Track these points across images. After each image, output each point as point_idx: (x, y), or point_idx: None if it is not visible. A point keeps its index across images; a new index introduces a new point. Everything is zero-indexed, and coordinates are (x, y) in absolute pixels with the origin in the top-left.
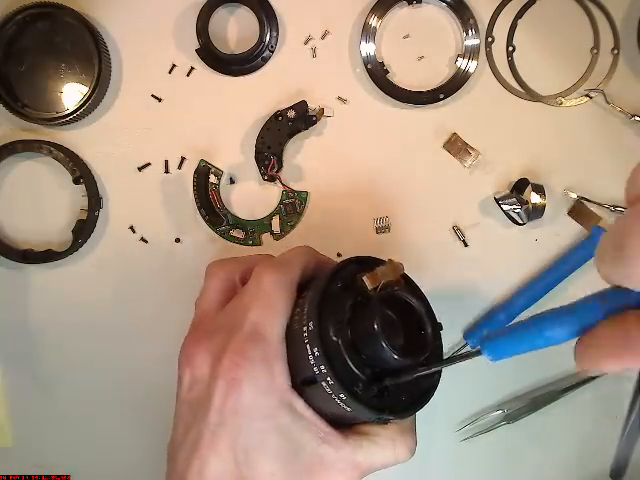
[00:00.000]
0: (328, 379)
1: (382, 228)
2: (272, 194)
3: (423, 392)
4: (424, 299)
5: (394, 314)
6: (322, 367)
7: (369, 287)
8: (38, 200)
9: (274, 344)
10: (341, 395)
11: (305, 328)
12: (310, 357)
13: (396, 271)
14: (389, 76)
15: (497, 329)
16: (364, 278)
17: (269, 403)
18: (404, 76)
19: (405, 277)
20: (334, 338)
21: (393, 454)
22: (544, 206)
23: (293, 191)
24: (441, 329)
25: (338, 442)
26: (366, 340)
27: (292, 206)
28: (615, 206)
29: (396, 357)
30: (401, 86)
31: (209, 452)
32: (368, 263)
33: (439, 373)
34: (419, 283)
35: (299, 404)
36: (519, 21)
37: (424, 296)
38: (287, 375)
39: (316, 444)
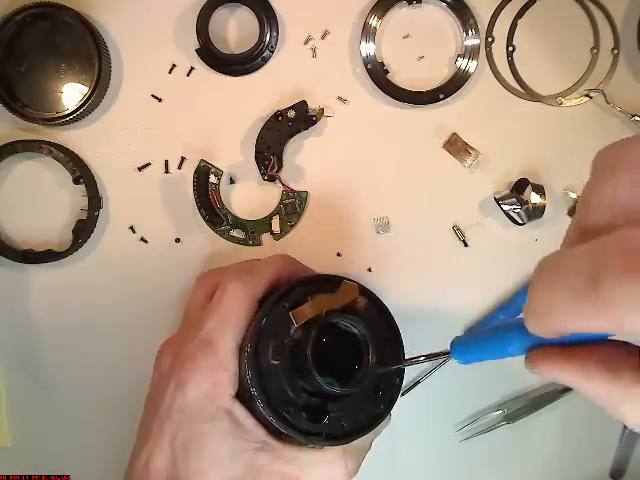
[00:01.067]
0: (259, 402)
1: (382, 228)
2: (272, 194)
3: (370, 419)
4: (383, 319)
5: (339, 339)
6: (254, 390)
7: (295, 324)
8: (38, 200)
9: (222, 355)
10: (271, 418)
11: (247, 348)
12: (247, 378)
13: (347, 295)
14: (389, 76)
15: (469, 333)
16: (291, 314)
17: (210, 408)
18: (404, 76)
19: (367, 294)
20: (273, 361)
21: (328, 473)
22: (544, 206)
23: (293, 191)
24: (402, 355)
25: (274, 452)
26: (303, 368)
27: (292, 206)
28: None
29: (328, 388)
30: (401, 86)
31: (155, 445)
32: (323, 283)
33: (389, 405)
34: (418, 283)
35: (240, 413)
36: (519, 21)
37: (387, 314)
38: (232, 385)
39: (251, 452)
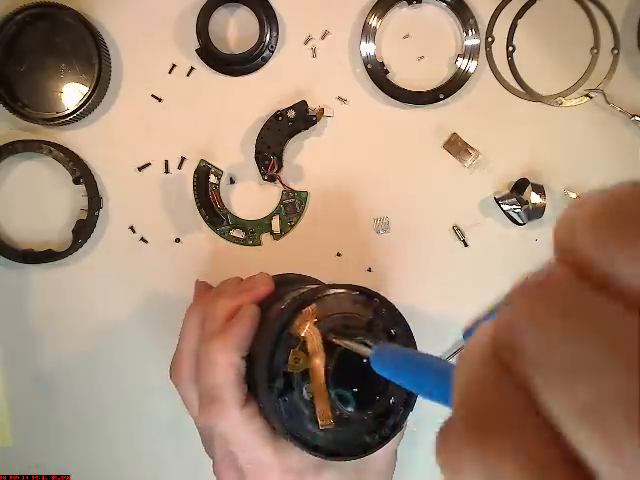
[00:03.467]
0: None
1: (382, 228)
2: (272, 194)
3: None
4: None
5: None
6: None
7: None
8: (38, 200)
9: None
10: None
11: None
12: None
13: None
14: (389, 76)
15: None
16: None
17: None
18: (404, 76)
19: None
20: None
21: None
22: (544, 206)
23: (293, 191)
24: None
25: (276, 445)
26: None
27: (292, 206)
28: None
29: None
30: (401, 86)
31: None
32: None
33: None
34: (418, 283)
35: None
36: (519, 21)
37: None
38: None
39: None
